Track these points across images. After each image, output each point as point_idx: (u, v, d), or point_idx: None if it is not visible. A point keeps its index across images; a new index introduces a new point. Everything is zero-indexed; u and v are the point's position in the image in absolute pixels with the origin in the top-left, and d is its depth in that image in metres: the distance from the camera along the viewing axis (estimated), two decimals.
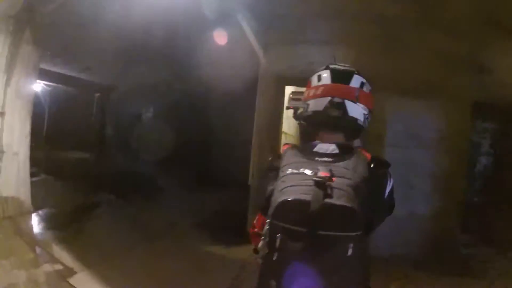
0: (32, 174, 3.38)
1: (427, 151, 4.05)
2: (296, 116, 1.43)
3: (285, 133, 5.42)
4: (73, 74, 7.94)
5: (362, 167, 0.98)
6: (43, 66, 4.61)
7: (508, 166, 5.33)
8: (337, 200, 0.86)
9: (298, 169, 0.97)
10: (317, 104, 1.13)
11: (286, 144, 1.40)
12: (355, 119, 1.12)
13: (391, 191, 1.15)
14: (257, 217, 1.22)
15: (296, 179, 0.95)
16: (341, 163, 0.98)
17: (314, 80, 1.20)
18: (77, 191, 6.29)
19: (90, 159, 9.36)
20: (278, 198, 0.93)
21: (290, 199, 0.91)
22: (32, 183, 3.21)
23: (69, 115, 9.87)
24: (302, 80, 3.12)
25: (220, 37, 4.60)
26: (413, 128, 4.02)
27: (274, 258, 0.91)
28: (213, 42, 4.79)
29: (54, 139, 9.17)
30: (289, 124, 5.64)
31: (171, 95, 8.78)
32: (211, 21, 4.16)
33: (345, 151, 1.05)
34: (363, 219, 0.90)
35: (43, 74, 5.62)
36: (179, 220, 5.37)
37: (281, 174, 1.01)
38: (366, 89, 1.16)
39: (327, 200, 0.86)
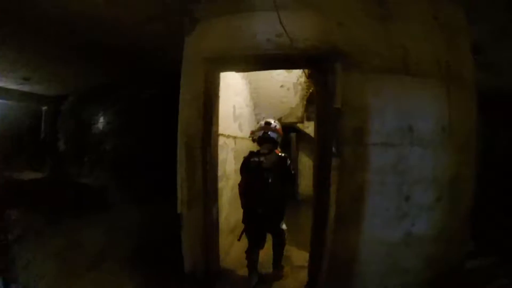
0: None
1: (425, 149, 2.67)
2: (253, 140, 3.37)
3: (234, 138, 4.01)
4: (11, 87, 6.99)
5: (275, 156, 3.10)
6: None
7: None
8: (264, 165, 3.06)
9: (253, 158, 3.14)
10: (259, 134, 3.24)
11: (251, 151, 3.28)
12: (273, 138, 3.20)
13: (289, 165, 3.11)
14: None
15: (252, 162, 3.12)
16: (268, 156, 3.10)
17: (258, 126, 3.34)
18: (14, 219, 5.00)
19: (43, 179, 8.18)
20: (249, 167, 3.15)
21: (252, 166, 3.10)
22: None
23: (17, 133, 9.41)
24: (244, 61, 1.81)
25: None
26: (406, 118, 2.63)
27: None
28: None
29: (3, 160, 8.62)
30: (240, 127, 4.26)
31: (122, 98, 7.87)
32: None
33: (270, 152, 3.13)
34: (279, 175, 3.07)
35: None
36: (110, 250, 4.04)
37: (248, 160, 3.17)
38: (278, 126, 3.28)
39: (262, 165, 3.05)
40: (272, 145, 3.18)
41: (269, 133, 3.17)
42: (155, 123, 7.03)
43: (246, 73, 4.82)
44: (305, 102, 5.41)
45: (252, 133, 3.42)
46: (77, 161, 8.42)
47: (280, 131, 3.26)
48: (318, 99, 2.59)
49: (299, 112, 5.54)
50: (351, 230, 2.61)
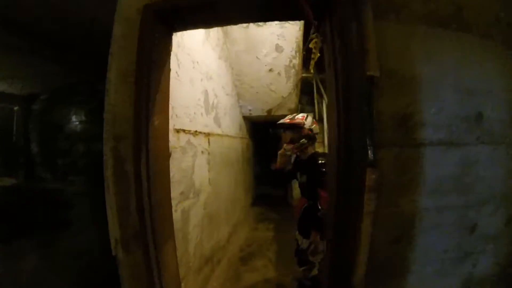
0: None
1: (496, 149, 1.56)
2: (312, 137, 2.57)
3: (208, 135, 2.81)
4: None
5: None
6: None
7: None
8: None
9: None
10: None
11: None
12: None
13: None
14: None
15: None
16: None
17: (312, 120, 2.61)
18: None
19: (14, 185, 7.36)
20: None
21: None
22: None
23: None
24: (204, 5, 1.53)
25: None
26: (473, 100, 1.50)
27: None
28: None
29: None
30: (217, 120, 3.08)
31: (97, 94, 6.56)
32: None
33: None
34: None
35: None
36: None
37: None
38: None
39: None
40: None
41: None
42: None
43: (225, 54, 3.62)
44: (299, 91, 4.25)
45: (310, 130, 2.58)
46: (51, 165, 7.46)
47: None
48: (333, 69, 1.37)
49: (292, 102, 4.36)
50: None
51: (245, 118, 4.94)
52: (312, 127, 2.53)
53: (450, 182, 1.48)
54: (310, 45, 1.81)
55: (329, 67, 1.38)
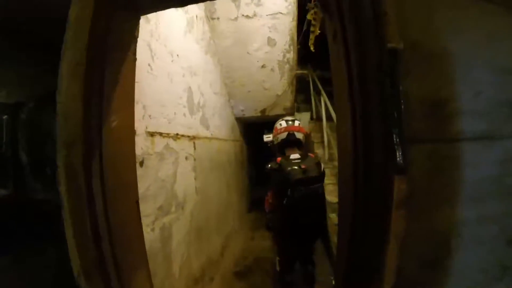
0: None
1: None
2: (273, 145, 2.61)
3: (193, 138, 2.45)
4: None
5: (313, 161, 2.33)
6: None
7: None
8: (310, 173, 2.19)
9: (291, 166, 2.22)
10: (282, 136, 2.46)
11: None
12: (299, 139, 2.47)
13: (324, 169, 2.38)
14: (269, 194, 2.60)
15: (293, 170, 2.18)
16: (305, 161, 2.28)
17: (278, 126, 2.54)
18: None
19: (7, 197, 6.97)
20: (293, 178, 2.16)
21: (299, 177, 2.15)
22: None
23: None
24: None
25: None
26: (508, 83, 1.11)
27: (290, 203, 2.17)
28: None
29: None
30: (205, 122, 2.74)
31: None
32: None
33: (303, 156, 2.34)
34: (321, 178, 2.30)
35: None
36: None
37: (285, 170, 2.21)
38: (301, 125, 2.53)
39: (307, 174, 2.17)
40: (298, 149, 2.52)
41: (294, 133, 2.51)
42: None
43: (212, 49, 3.27)
44: (294, 88, 3.91)
45: (274, 135, 2.64)
46: (40, 174, 7.25)
47: (304, 129, 2.62)
48: (341, 42, 1.02)
49: (288, 100, 4.02)
50: None
51: (238, 119, 4.58)
52: (273, 138, 2.63)
53: (491, 185, 1.15)
54: (308, 17, 1.48)
55: (335, 40, 1.03)
